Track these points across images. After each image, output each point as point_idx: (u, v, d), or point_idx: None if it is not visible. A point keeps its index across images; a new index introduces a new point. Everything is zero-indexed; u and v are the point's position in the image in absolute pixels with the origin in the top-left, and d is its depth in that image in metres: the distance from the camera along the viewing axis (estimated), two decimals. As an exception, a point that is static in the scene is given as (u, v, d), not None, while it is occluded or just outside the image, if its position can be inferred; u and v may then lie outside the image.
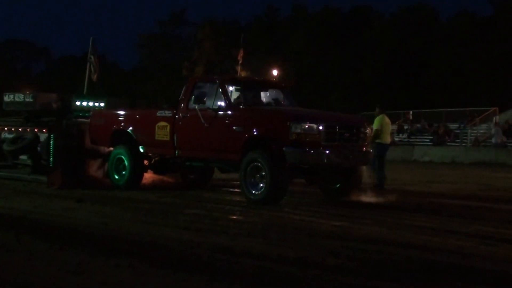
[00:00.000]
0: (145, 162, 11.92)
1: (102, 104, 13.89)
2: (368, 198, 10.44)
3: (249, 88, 11.38)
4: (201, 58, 59.64)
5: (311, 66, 52.59)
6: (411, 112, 37.72)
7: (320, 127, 9.50)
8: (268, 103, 11.37)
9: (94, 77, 15.37)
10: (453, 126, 34.20)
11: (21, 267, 5.12)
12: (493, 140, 30.61)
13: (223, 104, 10.38)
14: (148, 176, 12.45)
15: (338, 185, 10.62)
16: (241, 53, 13.49)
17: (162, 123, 11.14)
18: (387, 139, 12.82)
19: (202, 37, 60.40)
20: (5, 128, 13.62)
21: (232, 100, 10.49)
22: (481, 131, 33.13)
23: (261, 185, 9.60)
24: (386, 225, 7.77)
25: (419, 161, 29.24)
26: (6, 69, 67.75)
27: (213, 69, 54.46)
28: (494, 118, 33.67)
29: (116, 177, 11.76)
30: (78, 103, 13.61)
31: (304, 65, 52.63)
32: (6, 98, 13.86)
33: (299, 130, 9.39)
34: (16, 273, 4.91)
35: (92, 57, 15.39)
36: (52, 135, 11.98)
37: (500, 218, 8.73)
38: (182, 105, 10.96)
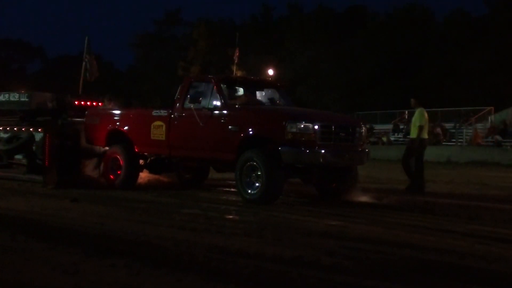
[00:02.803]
0: (141, 161, 11.92)
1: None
2: (363, 197, 10.44)
3: (245, 87, 11.38)
4: (196, 57, 59.68)
5: (306, 66, 52.63)
6: (406, 112, 37.80)
7: (316, 127, 9.50)
8: (263, 103, 11.37)
9: (92, 78, 15.27)
10: (448, 125, 34.27)
11: (16, 267, 5.10)
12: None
13: (218, 103, 10.37)
14: (144, 176, 12.45)
15: (333, 185, 10.63)
16: (236, 53, 13.48)
17: (158, 123, 11.14)
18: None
19: (197, 37, 60.42)
20: (0, 128, 13.58)
21: (227, 100, 10.49)
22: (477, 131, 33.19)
23: (257, 184, 9.61)
24: (381, 224, 7.78)
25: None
26: (1, 69, 67.63)
27: (209, 68, 54.46)
28: (489, 117, 33.78)
29: (112, 176, 11.74)
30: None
31: (299, 65, 52.67)
32: (1, 98, 13.81)
33: (294, 130, 9.39)
34: (11, 273, 4.89)
35: (88, 56, 15.31)
36: (47, 135, 11.95)
37: (495, 218, 8.75)
38: (177, 104, 10.96)
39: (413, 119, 12.69)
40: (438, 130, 32.47)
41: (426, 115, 12.61)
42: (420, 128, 12.35)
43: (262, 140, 9.85)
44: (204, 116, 10.41)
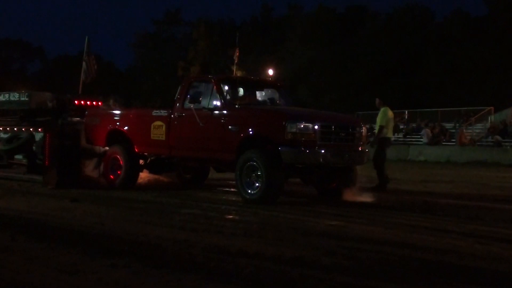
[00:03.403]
0: (141, 161, 11.91)
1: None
2: (363, 197, 10.44)
3: (245, 87, 11.38)
4: (196, 57, 59.70)
5: (306, 66, 52.63)
6: (406, 112, 37.79)
7: (316, 127, 9.49)
8: (263, 103, 11.37)
9: (88, 79, 15.22)
10: (448, 125, 34.27)
11: (16, 267, 5.10)
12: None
13: (218, 103, 10.37)
14: (144, 176, 12.44)
15: (333, 185, 10.63)
16: (236, 53, 13.44)
17: (158, 123, 11.13)
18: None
19: (197, 37, 60.43)
20: (0, 128, 13.58)
21: (227, 100, 10.49)
22: (477, 131, 33.22)
23: (257, 184, 9.60)
24: (381, 224, 7.78)
25: (414, 161, 29.29)
26: (1, 69, 67.61)
27: (209, 68, 54.45)
28: (489, 117, 33.78)
29: (112, 176, 11.74)
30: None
31: (299, 65, 52.68)
32: (1, 98, 13.81)
33: (294, 130, 9.39)
34: (11, 273, 4.89)
35: (87, 57, 15.27)
36: (47, 135, 11.95)
37: (494, 217, 8.75)
38: (177, 104, 10.96)
39: (377, 118, 12.96)
40: (428, 130, 32.62)
41: (389, 114, 12.90)
42: (381, 128, 12.65)
43: (262, 140, 9.85)
44: (204, 116, 10.40)
